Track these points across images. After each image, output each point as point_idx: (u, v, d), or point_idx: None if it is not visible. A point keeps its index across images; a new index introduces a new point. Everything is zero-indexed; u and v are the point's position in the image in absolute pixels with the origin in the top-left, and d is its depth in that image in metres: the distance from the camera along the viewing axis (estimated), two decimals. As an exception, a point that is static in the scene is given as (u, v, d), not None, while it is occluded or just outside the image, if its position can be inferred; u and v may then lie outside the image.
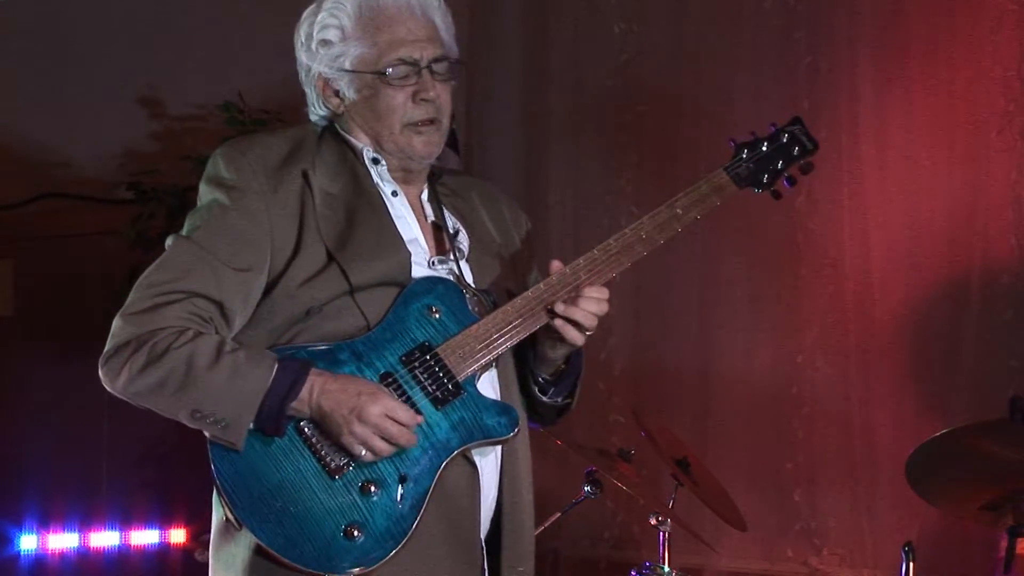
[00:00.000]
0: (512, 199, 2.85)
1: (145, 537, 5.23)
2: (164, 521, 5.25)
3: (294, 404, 2.36)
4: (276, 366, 2.36)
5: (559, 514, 4.07)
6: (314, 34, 2.59)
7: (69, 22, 5.69)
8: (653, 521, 3.93)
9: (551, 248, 5.34)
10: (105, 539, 5.12)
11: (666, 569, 3.89)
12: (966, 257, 4.75)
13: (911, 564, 3.52)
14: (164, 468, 5.35)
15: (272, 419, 2.36)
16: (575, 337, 2.52)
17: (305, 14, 2.63)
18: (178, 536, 5.26)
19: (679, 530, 3.96)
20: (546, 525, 4.00)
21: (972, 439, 3.39)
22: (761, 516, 4.82)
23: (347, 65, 2.56)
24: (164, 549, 5.25)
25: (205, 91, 5.53)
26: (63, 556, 5.01)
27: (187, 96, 5.70)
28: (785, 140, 2.69)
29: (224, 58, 5.67)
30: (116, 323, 2.44)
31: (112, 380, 2.41)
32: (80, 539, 5.05)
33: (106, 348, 2.42)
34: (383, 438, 2.36)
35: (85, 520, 5.09)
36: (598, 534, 5.37)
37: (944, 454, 3.44)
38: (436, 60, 2.56)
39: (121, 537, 5.16)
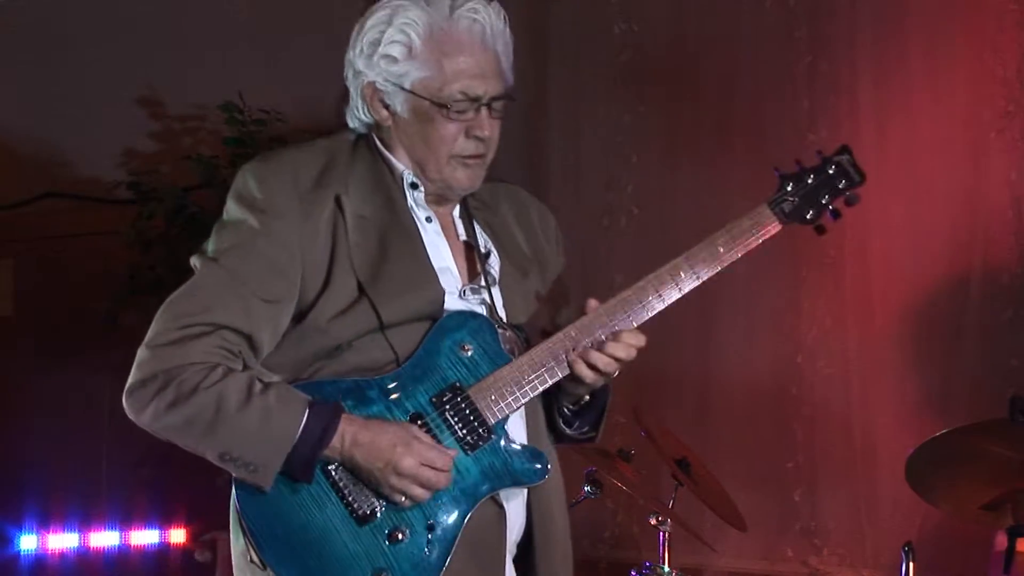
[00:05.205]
0: (541, 204, 2.78)
1: (145, 537, 5.23)
2: (164, 521, 5.25)
3: (325, 452, 2.33)
4: (307, 412, 2.31)
5: (559, 514, 4.06)
6: (380, 44, 2.47)
7: (69, 22, 5.69)
8: (653, 521, 3.92)
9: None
10: (105, 539, 5.12)
11: (666, 569, 3.89)
12: (966, 257, 4.75)
13: (911, 564, 3.51)
14: (164, 468, 5.34)
15: (302, 465, 2.32)
16: (593, 379, 2.46)
17: (373, 20, 2.48)
18: (178, 536, 5.26)
19: (679, 530, 3.96)
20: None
21: (972, 439, 3.39)
22: (761, 516, 4.82)
23: (407, 85, 2.46)
24: (164, 549, 5.25)
25: (205, 91, 5.54)
26: (63, 556, 5.01)
27: (187, 96, 5.70)
28: (832, 172, 2.60)
29: (224, 58, 5.68)
30: (142, 354, 2.37)
31: (137, 413, 2.36)
32: (80, 539, 5.05)
33: (131, 380, 2.36)
34: (420, 486, 2.34)
35: (85, 520, 5.09)
36: (598, 534, 5.37)
37: (944, 454, 3.43)
38: (495, 98, 2.49)
39: (121, 537, 5.16)
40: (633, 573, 3.91)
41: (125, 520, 5.19)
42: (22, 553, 4.91)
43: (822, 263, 4.99)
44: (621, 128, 5.49)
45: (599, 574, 5.34)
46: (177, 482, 5.18)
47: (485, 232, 2.60)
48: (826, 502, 4.97)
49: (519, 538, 2.52)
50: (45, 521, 4.98)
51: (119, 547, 5.15)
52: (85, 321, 5.27)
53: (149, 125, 5.78)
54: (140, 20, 5.69)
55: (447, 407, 2.40)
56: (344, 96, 2.60)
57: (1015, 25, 4.69)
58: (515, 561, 2.53)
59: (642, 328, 2.51)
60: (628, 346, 2.46)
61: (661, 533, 3.91)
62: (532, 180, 5.65)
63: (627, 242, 5.35)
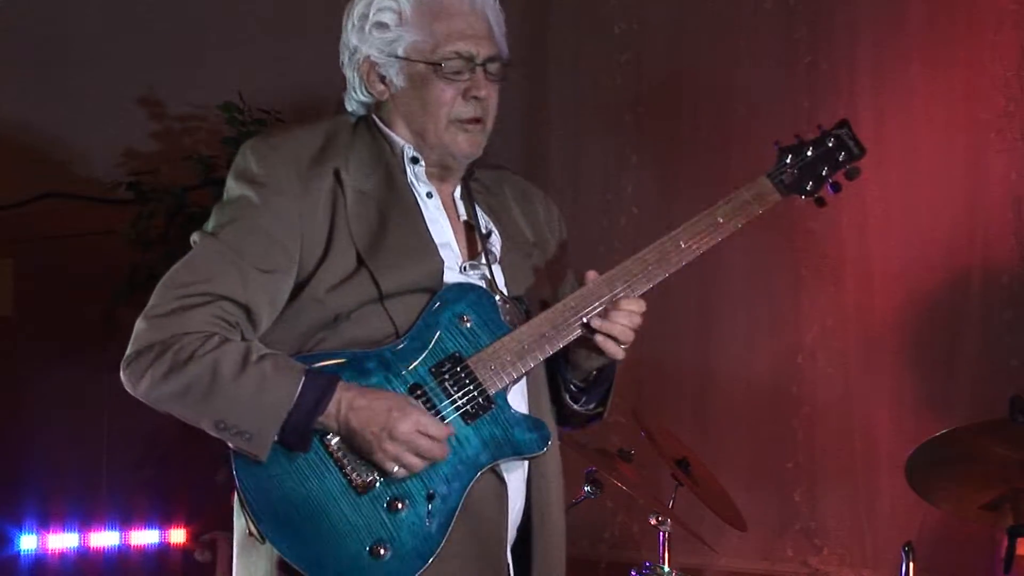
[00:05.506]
0: (547, 196, 2.79)
1: (145, 537, 5.22)
2: (164, 521, 5.25)
3: (321, 419, 2.31)
4: (303, 379, 2.30)
5: (559, 514, 4.06)
6: (370, 15, 2.49)
7: (70, 22, 5.68)
8: (653, 521, 3.92)
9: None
10: (105, 539, 5.12)
11: (666, 569, 3.89)
12: (966, 257, 4.75)
13: (911, 564, 3.51)
14: (164, 468, 5.35)
15: (298, 434, 2.30)
16: (615, 351, 2.47)
17: None
18: (178, 536, 5.26)
19: (679, 530, 3.95)
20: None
21: (972, 439, 3.39)
22: (761, 516, 4.82)
23: (400, 51, 2.48)
24: (164, 549, 5.25)
25: (205, 91, 5.53)
26: (63, 556, 5.00)
27: (187, 96, 5.70)
28: (831, 144, 2.61)
29: (224, 58, 5.67)
30: (139, 325, 2.37)
31: (134, 384, 2.35)
32: (80, 539, 5.05)
33: (128, 351, 2.36)
34: (415, 453, 2.32)
35: (85, 520, 5.09)
36: (598, 534, 5.37)
37: (944, 454, 3.43)
38: (490, 59, 2.50)
39: (121, 537, 5.16)
40: (633, 573, 3.91)
41: (125, 520, 5.18)
42: (22, 553, 4.90)
43: (822, 263, 5.00)
44: (621, 128, 5.50)
45: (599, 574, 5.34)
46: (177, 482, 5.18)
47: (487, 214, 2.60)
48: (826, 502, 4.97)
49: (518, 520, 2.50)
50: (45, 521, 4.98)
51: (119, 547, 5.14)
52: (85, 321, 5.26)
53: (149, 125, 5.78)
54: (140, 20, 5.69)
55: (446, 377, 2.39)
56: (342, 88, 2.60)
57: (1014, 25, 4.69)
58: (512, 547, 2.50)
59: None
60: (634, 313, 2.47)
61: (661, 533, 3.91)
62: (532, 180, 5.64)
63: (627, 242, 5.36)
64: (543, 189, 2.86)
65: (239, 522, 2.43)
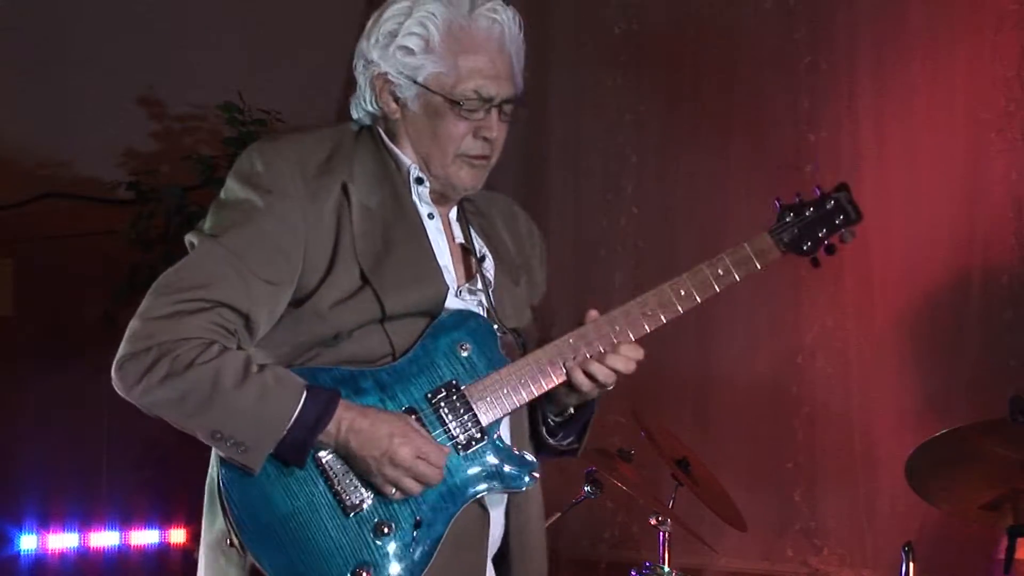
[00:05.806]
0: (528, 216, 2.79)
1: (145, 537, 5.23)
2: (164, 521, 5.25)
3: (320, 437, 2.29)
4: (305, 394, 2.27)
5: (559, 514, 4.06)
6: (398, 35, 2.45)
7: (69, 22, 5.68)
8: (653, 521, 3.92)
9: (550, 248, 5.33)
10: (105, 539, 5.12)
11: (666, 569, 3.89)
12: (966, 257, 4.75)
13: (911, 564, 3.51)
14: (164, 468, 5.35)
15: (295, 449, 2.28)
16: (590, 389, 2.47)
17: (392, 11, 2.47)
18: (178, 536, 5.26)
19: (679, 530, 3.95)
20: (546, 525, 3.99)
21: (972, 439, 3.39)
22: (761, 516, 4.82)
23: (420, 79, 2.45)
24: (164, 549, 5.25)
25: (205, 91, 5.53)
26: (63, 556, 5.01)
27: (187, 96, 5.70)
28: (830, 207, 2.64)
29: (224, 58, 5.68)
30: (134, 326, 2.32)
31: (127, 387, 2.29)
32: (80, 539, 5.05)
33: (121, 352, 2.30)
34: (413, 478, 2.31)
35: (85, 520, 5.09)
36: (598, 534, 5.37)
37: (944, 454, 3.43)
38: (506, 101, 2.48)
39: (121, 537, 5.16)
40: (633, 573, 3.91)
41: (125, 520, 5.18)
42: (22, 553, 4.90)
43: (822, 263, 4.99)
44: (621, 128, 5.50)
45: (599, 574, 5.34)
46: (177, 482, 5.17)
47: (480, 237, 2.60)
48: (826, 502, 4.98)
49: (496, 545, 2.51)
50: (45, 521, 4.98)
51: (119, 547, 5.15)
52: (85, 321, 5.27)
53: (149, 125, 5.78)
54: (140, 20, 5.69)
55: (442, 404, 2.38)
56: (348, 87, 2.57)
57: (1015, 25, 4.70)
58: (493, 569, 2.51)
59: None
60: (628, 359, 2.47)
61: (661, 533, 3.91)
62: (532, 181, 5.66)
63: (627, 242, 5.36)
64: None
65: (212, 527, 2.40)
